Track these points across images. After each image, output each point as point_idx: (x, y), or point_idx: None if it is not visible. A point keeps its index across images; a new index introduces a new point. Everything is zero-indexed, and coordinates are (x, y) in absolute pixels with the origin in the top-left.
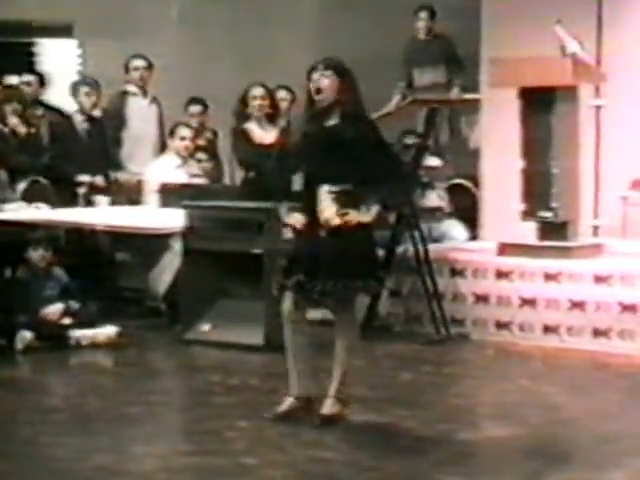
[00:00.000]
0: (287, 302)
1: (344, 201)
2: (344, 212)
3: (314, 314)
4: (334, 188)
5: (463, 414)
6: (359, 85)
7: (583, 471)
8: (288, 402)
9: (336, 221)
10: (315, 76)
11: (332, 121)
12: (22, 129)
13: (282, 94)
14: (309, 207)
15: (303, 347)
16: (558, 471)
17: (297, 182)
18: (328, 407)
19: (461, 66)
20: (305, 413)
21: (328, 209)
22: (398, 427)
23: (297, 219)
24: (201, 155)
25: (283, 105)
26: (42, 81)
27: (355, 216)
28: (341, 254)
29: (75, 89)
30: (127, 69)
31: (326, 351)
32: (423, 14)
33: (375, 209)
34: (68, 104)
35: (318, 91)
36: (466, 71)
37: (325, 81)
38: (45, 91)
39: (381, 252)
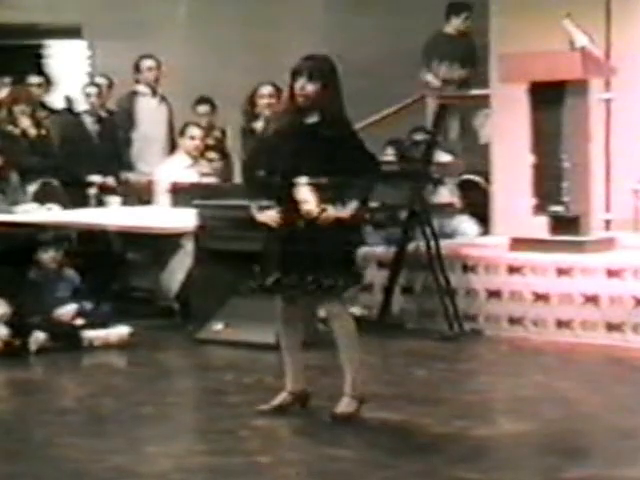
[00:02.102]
0: (279, 301)
1: (322, 195)
2: (323, 208)
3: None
4: (313, 180)
5: (478, 410)
6: (341, 84)
7: (600, 467)
8: (282, 396)
9: (315, 213)
10: (300, 82)
11: (311, 119)
12: (33, 131)
13: None
14: (285, 201)
15: (297, 344)
16: (575, 467)
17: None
18: (343, 406)
19: (474, 65)
20: (300, 406)
21: (309, 201)
22: (413, 424)
23: (271, 217)
24: (212, 154)
25: None
26: (48, 82)
27: (333, 212)
28: (316, 248)
29: (85, 90)
30: (138, 69)
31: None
32: (464, 15)
33: (353, 205)
34: (78, 105)
35: (302, 96)
36: (479, 71)
37: (309, 88)
38: (50, 93)
39: (392, 249)
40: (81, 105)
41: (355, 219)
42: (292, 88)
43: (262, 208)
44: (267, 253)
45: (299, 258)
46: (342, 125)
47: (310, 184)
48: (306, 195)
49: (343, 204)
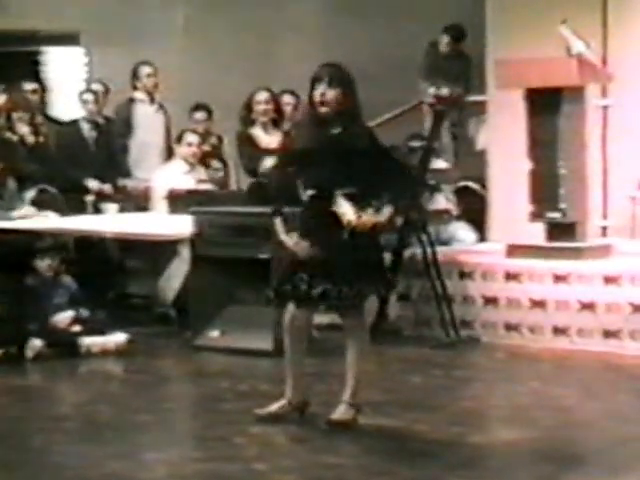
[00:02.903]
0: (290, 310)
1: (358, 204)
2: (359, 214)
3: (322, 318)
4: (347, 191)
5: (474, 417)
6: (358, 92)
7: (596, 474)
8: (280, 404)
9: (353, 222)
10: (320, 89)
11: (334, 129)
12: (31, 137)
13: (287, 99)
14: (320, 215)
15: (302, 353)
16: (571, 474)
17: (301, 192)
18: (340, 413)
19: (468, 80)
20: (298, 415)
21: (348, 212)
22: (409, 431)
23: (302, 248)
24: (213, 162)
25: (288, 109)
26: (43, 89)
27: (372, 217)
28: (358, 256)
29: (82, 97)
30: (137, 76)
31: (334, 355)
32: (446, 38)
33: (388, 210)
34: (74, 112)
35: (323, 103)
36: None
37: (330, 94)
38: (46, 99)
39: (389, 255)
40: (78, 112)
41: (390, 224)
42: (311, 96)
43: (290, 230)
44: (311, 267)
45: (345, 270)
46: (365, 131)
47: (346, 194)
48: (345, 207)
49: (378, 210)
